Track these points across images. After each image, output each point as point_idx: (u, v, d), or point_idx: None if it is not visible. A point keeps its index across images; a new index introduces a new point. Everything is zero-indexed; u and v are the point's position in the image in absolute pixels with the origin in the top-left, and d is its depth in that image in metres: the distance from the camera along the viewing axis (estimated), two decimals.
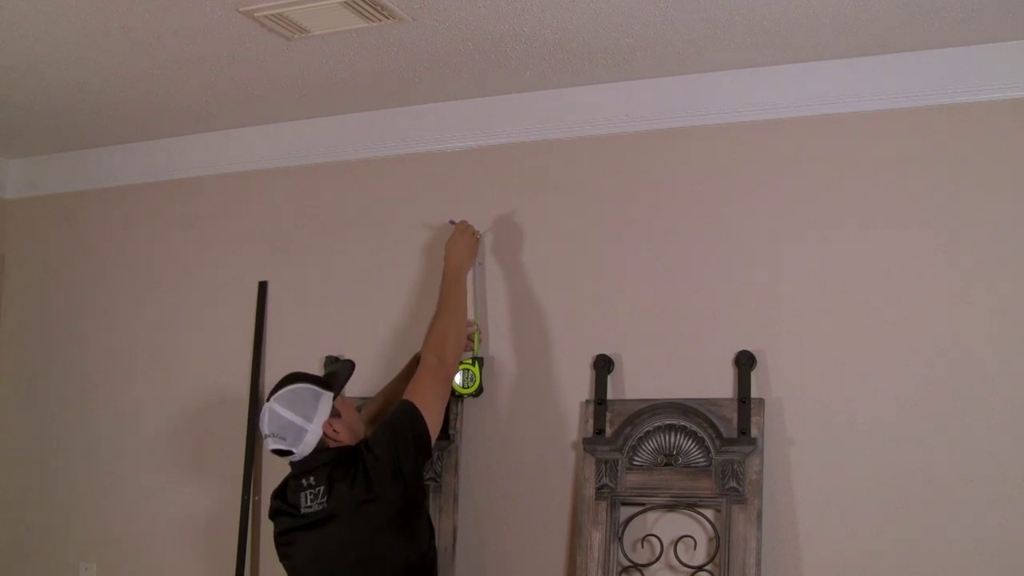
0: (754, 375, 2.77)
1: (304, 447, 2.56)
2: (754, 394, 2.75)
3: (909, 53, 2.71)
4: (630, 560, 2.78)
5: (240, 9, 2.55)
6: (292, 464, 2.63)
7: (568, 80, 2.99)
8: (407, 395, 2.66)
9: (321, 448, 2.58)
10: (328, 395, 2.62)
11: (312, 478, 2.56)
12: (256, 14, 2.57)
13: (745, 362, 2.76)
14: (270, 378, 3.36)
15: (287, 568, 2.64)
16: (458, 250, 2.94)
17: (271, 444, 2.58)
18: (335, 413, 2.61)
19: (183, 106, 3.27)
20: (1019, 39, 2.62)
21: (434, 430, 2.64)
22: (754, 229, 2.84)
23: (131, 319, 3.63)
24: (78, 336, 3.72)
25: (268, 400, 2.61)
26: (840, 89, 2.78)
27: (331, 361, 3.22)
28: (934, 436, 2.61)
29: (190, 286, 3.55)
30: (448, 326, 2.79)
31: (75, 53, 2.84)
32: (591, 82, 3.00)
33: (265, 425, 2.59)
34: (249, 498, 3.29)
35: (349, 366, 2.78)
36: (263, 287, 3.43)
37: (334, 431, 2.59)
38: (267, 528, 3.29)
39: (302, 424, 2.55)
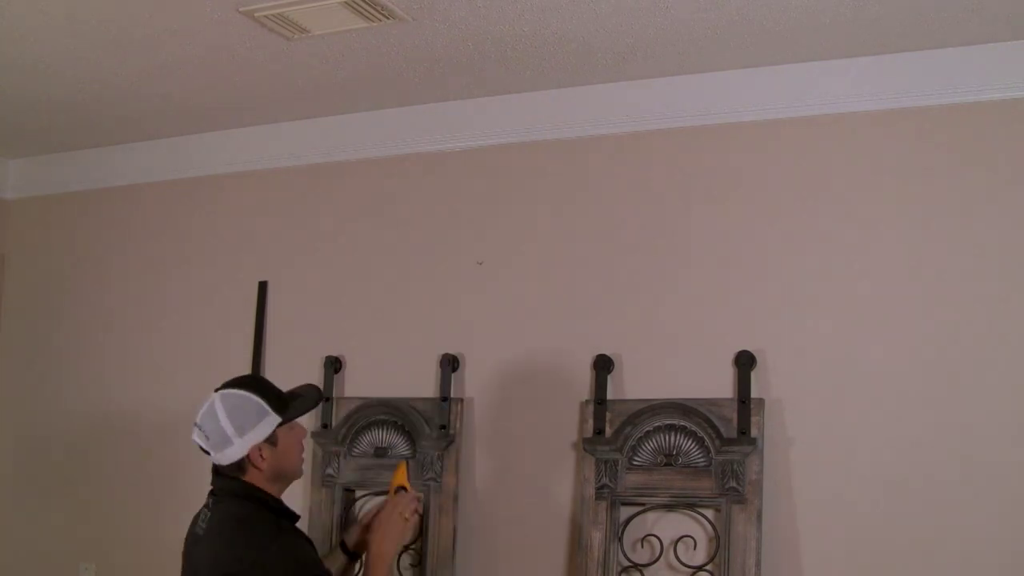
0: (754, 375, 2.77)
1: (222, 457, 2.35)
2: (754, 394, 2.75)
3: (909, 53, 2.70)
4: (630, 560, 2.78)
5: (240, 9, 2.55)
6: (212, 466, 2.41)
7: (568, 80, 2.99)
8: None
9: (238, 474, 2.36)
10: (274, 419, 2.36)
11: (211, 500, 2.39)
12: (256, 14, 2.57)
13: (745, 362, 2.76)
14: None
15: None
16: (387, 539, 2.45)
17: (194, 435, 2.37)
18: (272, 439, 2.35)
19: (183, 106, 3.27)
20: (1019, 39, 2.61)
21: None
22: (754, 229, 2.84)
23: (131, 319, 3.63)
24: (78, 336, 3.72)
25: (218, 390, 2.39)
26: (840, 89, 2.78)
27: (331, 361, 3.23)
28: (934, 436, 2.61)
29: (190, 286, 3.55)
30: None
31: (75, 53, 2.84)
32: (591, 82, 3.00)
33: (199, 414, 2.36)
34: None
35: (316, 395, 2.49)
36: (263, 287, 3.43)
37: (260, 458, 2.34)
38: None
39: (231, 436, 2.33)
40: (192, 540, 2.43)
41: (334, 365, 3.23)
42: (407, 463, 2.69)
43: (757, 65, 2.83)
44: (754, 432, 2.70)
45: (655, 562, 2.77)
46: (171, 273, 3.59)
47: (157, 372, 3.55)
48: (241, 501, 2.36)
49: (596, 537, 2.78)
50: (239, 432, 2.33)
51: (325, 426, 3.18)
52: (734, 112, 2.89)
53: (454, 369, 3.07)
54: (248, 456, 2.34)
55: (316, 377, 3.24)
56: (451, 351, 3.09)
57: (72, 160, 3.77)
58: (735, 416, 2.73)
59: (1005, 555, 2.51)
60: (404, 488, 2.54)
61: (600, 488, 2.81)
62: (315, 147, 3.39)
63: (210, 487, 2.44)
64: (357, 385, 3.22)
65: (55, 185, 3.83)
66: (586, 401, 2.91)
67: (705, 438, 2.74)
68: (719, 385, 2.79)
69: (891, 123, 2.74)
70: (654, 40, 2.69)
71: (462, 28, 2.64)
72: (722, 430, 2.73)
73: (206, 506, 2.41)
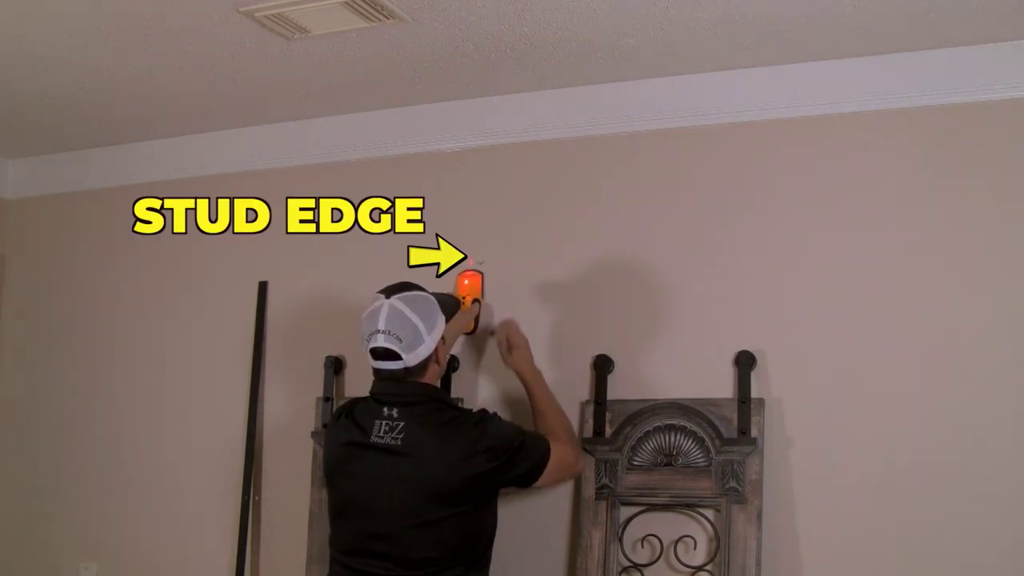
0: (754, 375, 2.77)
1: (413, 358, 2.43)
2: (754, 394, 2.75)
3: (909, 53, 2.70)
4: (630, 560, 2.78)
5: (240, 9, 2.56)
6: (381, 378, 2.49)
7: (568, 80, 2.99)
8: (553, 446, 2.58)
9: (418, 377, 2.47)
10: (443, 318, 2.53)
11: (396, 411, 2.44)
12: (256, 14, 2.57)
13: (745, 362, 2.76)
14: (270, 378, 3.37)
15: (339, 489, 2.51)
16: (524, 357, 2.81)
17: (381, 341, 2.41)
18: (443, 335, 2.52)
19: (183, 106, 3.27)
20: (1019, 39, 2.62)
21: (547, 480, 2.60)
22: (754, 229, 2.84)
23: (131, 319, 3.63)
24: (78, 336, 3.72)
25: (388, 297, 2.47)
26: (840, 89, 2.78)
27: (331, 362, 3.22)
28: (934, 436, 2.61)
29: (190, 286, 3.55)
30: (570, 435, 2.71)
31: (75, 53, 2.84)
32: (591, 82, 3.00)
33: (382, 320, 2.41)
34: (249, 498, 3.29)
35: (454, 303, 2.71)
36: (263, 287, 3.43)
37: (438, 355, 2.51)
38: (268, 529, 3.30)
39: (424, 332, 2.43)
40: (376, 452, 2.43)
41: (335, 365, 3.22)
42: (482, 275, 2.99)
43: (757, 65, 2.83)
44: (754, 432, 2.70)
45: (655, 562, 2.77)
46: (171, 273, 3.59)
47: (157, 372, 3.55)
48: (436, 404, 2.46)
49: (596, 537, 2.78)
50: (428, 329, 2.44)
51: (325, 426, 3.18)
52: (734, 112, 2.89)
53: (454, 369, 3.07)
54: (435, 352, 2.47)
55: (317, 377, 3.24)
56: (451, 351, 3.08)
57: (72, 160, 3.77)
58: (735, 416, 2.73)
59: (1005, 555, 2.52)
60: (478, 300, 2.92)
61: (600, 488, 2.81)
62: (315, 147, 3.39)
63: (372, 395, 2.51)
64: (359, 386, 3.22)
65: (55, 185, 3.83)
66: (586, 401, 2.91)
67: (705, 438, 2.74)
68: (719, 385, 2.79)
69: (891, 123, 2.74)
70: (654, 40, 2.69)
71: (462, 28, 2.64)
72: (722, 430, 2.73)
73: (387, 418, 2.43)
